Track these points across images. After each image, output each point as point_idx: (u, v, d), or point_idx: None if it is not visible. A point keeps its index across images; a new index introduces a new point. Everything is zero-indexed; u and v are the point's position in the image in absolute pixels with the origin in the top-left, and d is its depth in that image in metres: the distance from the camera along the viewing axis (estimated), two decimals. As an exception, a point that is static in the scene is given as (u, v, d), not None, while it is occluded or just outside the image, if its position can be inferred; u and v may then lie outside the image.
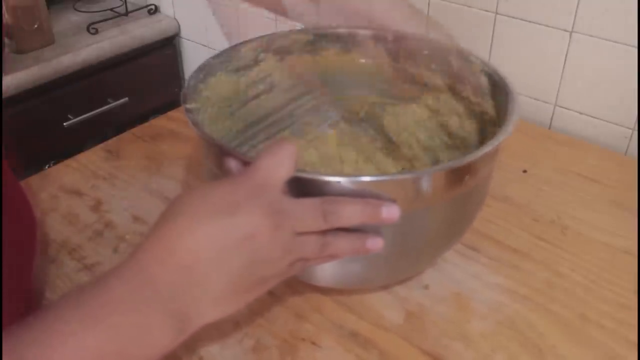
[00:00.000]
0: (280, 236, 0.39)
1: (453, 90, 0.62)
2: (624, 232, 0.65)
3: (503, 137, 0.48)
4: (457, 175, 0.46)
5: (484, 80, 0.58)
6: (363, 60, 0.67)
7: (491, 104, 0.57)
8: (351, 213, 0.41)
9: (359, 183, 0.43)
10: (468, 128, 0.62)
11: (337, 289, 0.58)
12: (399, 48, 0.64)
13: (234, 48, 0.63)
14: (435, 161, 0.67)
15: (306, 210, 0.40)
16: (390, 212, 0.42)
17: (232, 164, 0.45)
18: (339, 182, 0.43)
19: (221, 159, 0.46)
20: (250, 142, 0.66)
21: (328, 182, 0.43)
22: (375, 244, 0.44)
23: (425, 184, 0.45)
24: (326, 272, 0.51)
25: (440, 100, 0.64)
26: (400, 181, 0.45)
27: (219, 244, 0.37)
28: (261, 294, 0.41)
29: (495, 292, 0.58)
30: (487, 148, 0.46)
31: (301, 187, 0.42)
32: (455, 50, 0.60)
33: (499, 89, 0.56)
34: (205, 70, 0.59)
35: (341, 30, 0.66)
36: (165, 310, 0.36)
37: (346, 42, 0.67)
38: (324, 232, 0.42)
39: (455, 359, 0.52)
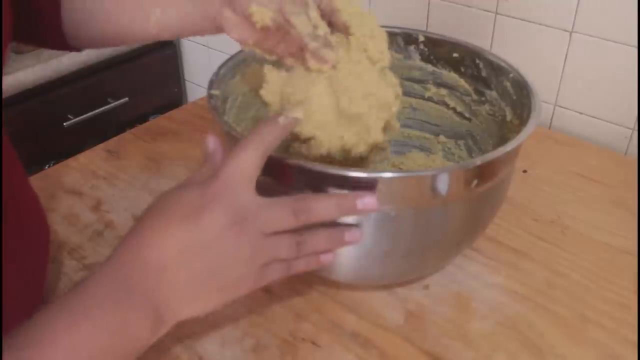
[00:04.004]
0: (246, 238, 0.39)
1: (478, 94, 0.63)
2: (624, 232, 0.65)
3: (522, 139, 0.48)
4: (475, 175, 0.46)
5: (508, 85, 0.58)
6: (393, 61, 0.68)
7: (514, 110, 0.58)
8: (324, 208, 0.41)
9: (381, 180, 0.43)
10: (489, 131, 0.62)
11: (337, 289, 0.58)
12: (429, 49, 0.65)
13: None
14: (455, 161, 0.68)
15: (274, 210, 0.40)
16: (366, 204, 0.42)
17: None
18: (359, 177, 0.43)
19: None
20: None
21: (347, 177, 0.43)
22: (353, 235, 0.44)
23: (444, 182, 0.45)
24: (342, 266, 0.51)
25: (465, 102, 0.65)
26: (419, 178, 0.45)
27: (185, 247, 0.38)
28: (239, 295, 0.42)
29: (495, 292, 0.58)
30: (505, 149, 0.47)
31: (316, 181, 0.42)
32: (485, 54, 0.61)
33: (522, 95, 0.56)
34: (239, 59, 0.60)
35: None
36: (140, 308, 0.38)
37: None
38: (299, 232, 0.42)
39: (455, 359, 0.52)
